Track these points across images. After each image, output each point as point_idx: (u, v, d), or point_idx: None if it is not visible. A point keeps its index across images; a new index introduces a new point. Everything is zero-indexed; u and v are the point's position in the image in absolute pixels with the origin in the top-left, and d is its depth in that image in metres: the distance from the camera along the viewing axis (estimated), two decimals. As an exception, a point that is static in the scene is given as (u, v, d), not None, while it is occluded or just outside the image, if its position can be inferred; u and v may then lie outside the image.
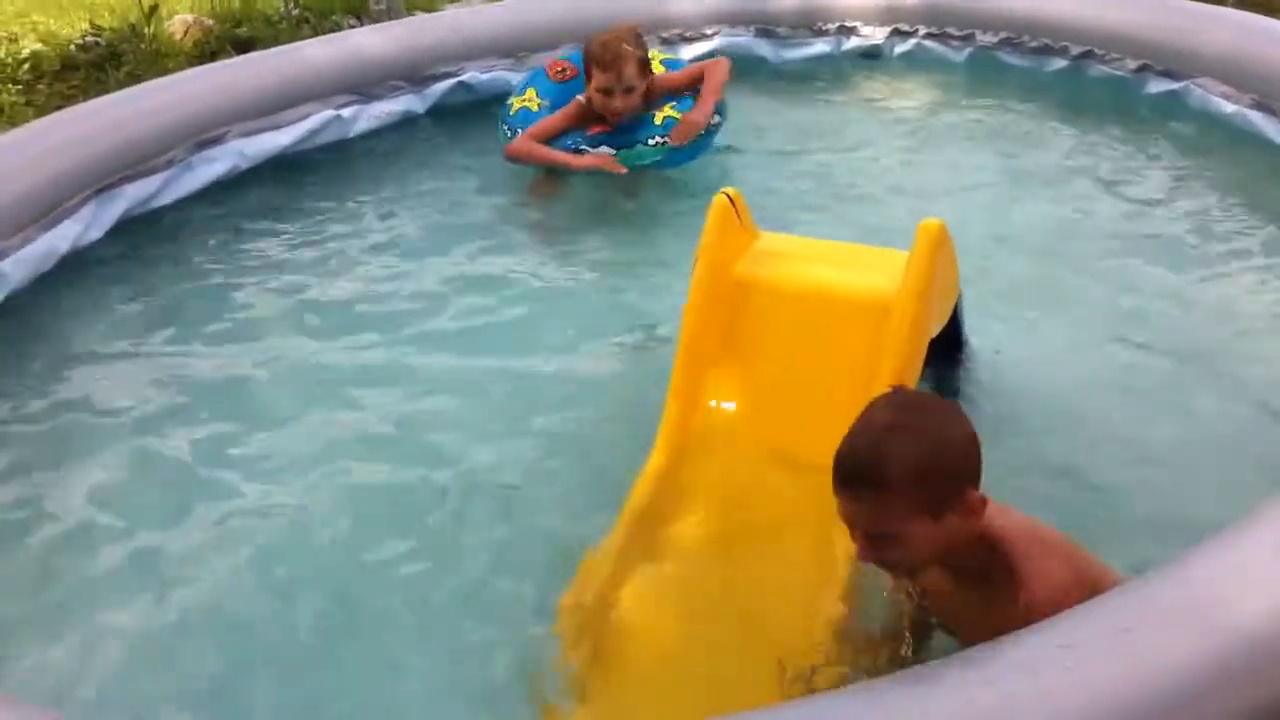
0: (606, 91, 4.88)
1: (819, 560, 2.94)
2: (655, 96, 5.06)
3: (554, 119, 5.07)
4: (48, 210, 4.09)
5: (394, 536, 3.05)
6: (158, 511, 3.17)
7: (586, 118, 5.03)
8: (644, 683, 2.73)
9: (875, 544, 2.32)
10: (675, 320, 3.39)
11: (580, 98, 5.05)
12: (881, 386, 3.11)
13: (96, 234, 4.30)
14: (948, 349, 3.60)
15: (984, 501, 2.29)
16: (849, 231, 4.22)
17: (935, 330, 3.32)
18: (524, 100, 5.25)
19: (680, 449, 3.28)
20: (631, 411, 3.52)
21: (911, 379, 3.20)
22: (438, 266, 4.36)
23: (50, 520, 3.15)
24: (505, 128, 5.17)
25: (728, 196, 3.38)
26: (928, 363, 3.28)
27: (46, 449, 3.43)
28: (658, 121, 5.01)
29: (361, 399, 3.58)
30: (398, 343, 3.85)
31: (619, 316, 4.03)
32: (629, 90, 4.89)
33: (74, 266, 4.23)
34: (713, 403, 3.33)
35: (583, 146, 5.00)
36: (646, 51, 5.01)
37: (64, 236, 4.13)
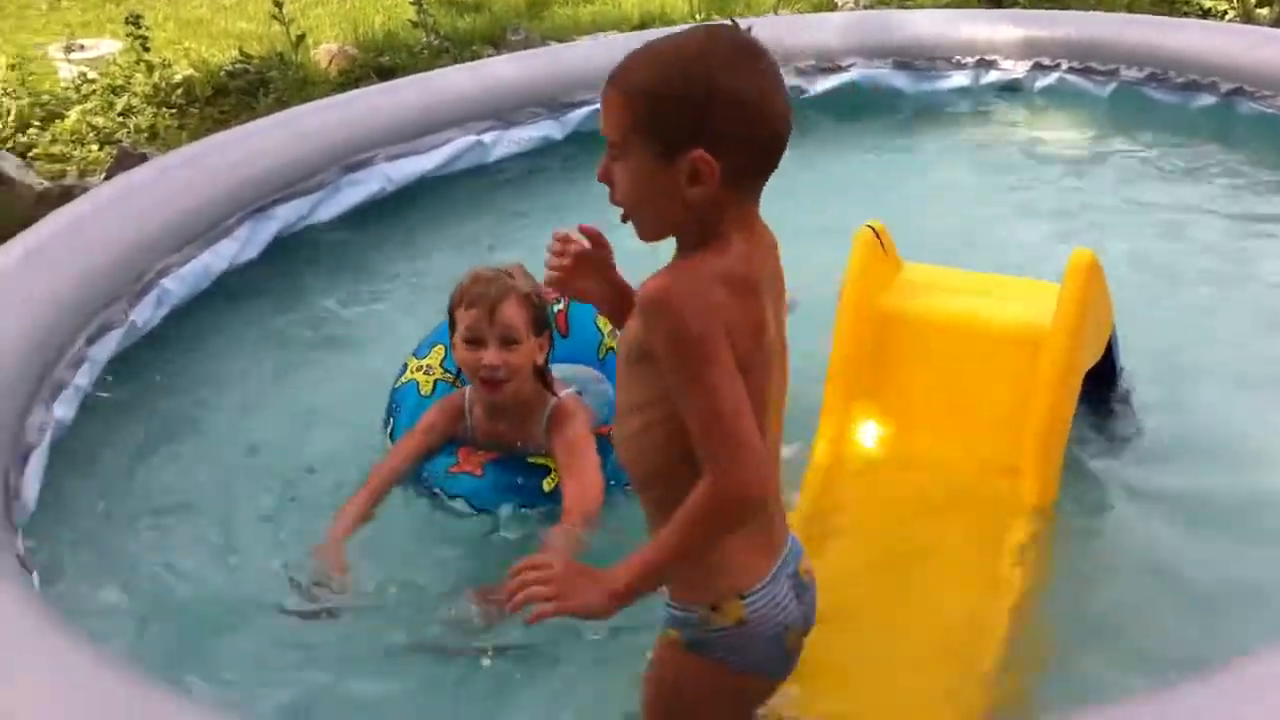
0: (474, 340, 3.14)
1: (974, 607, 2.89)
2: (537, 411, 3.23)
3: (417, 429, 3.31)
4: (206, 229, 4.22)
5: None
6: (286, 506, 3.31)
7: (458, 425, 3.32)
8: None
9: (607, 163, 2.02)
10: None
11: (462, 391, 3.37)
12: (1033, 422, 3.10)
13: (252, 253, 4.42)
14: (1102, 383, 3.54)
15: (712, 176, 1.93)
16: (988, 264, 4.16)
17: (1089, 364, 3.27)
18: (419, 368, 3.53)
19: (828, 486, 3.26)
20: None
21: (1065, 415, 3.16)
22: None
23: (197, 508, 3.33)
24: (389, 416, 3.48)
25: (872, 229, 3.38)
26: (1082, 397, 3.24)
27: (200, 449, 3.63)
28: (546, 487, 3.16)
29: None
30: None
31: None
32: (509, 342, 3.12)
33: (229, 285, 4.36)
34: (859, 439, 3.32)
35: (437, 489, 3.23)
36: (543, 300, 3.18)
37: (222, 255, 4.26)
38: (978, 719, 2.61)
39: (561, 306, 3.51)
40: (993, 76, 6.36)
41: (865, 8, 8.30)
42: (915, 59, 6.31)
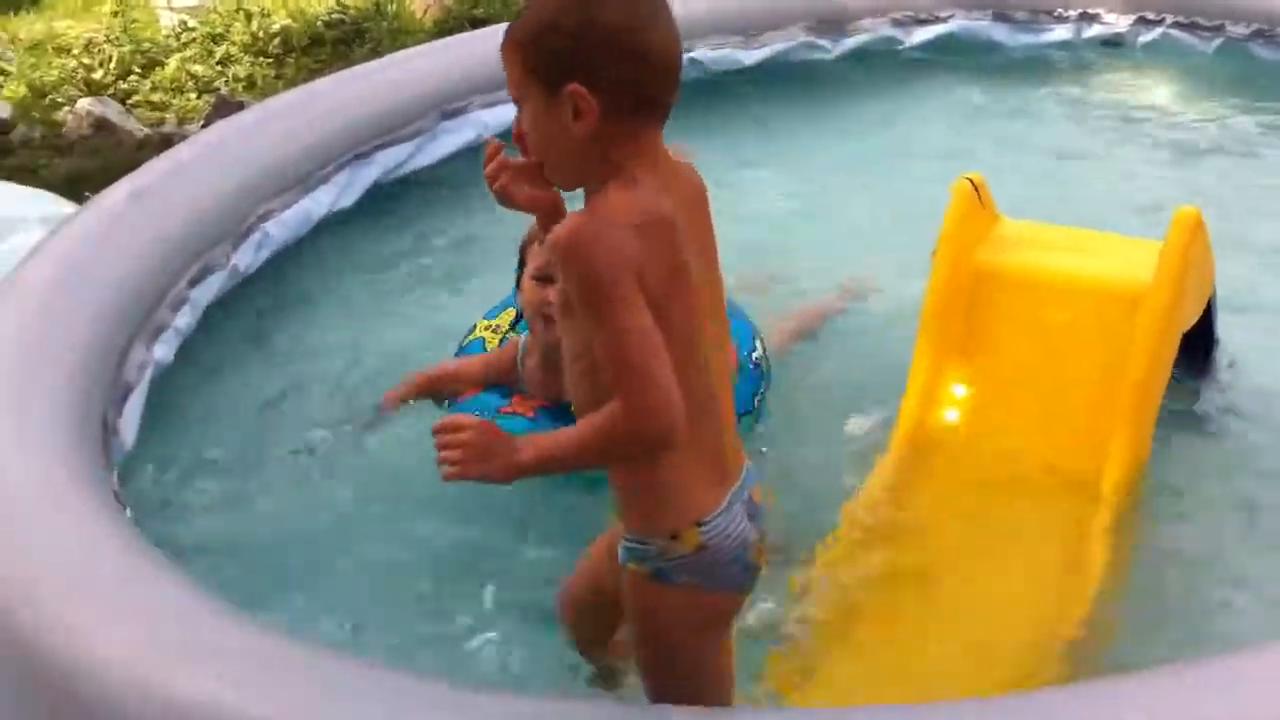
0: (544, 278, 3.08)
1: (1061, 575, 2.88)
2: None
3: (473, 361, 3.40)
4: (306, 176, 4.28)
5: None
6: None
7: (511, 373, 3.33)
8: (868, 666, 2.73)
9: (517, 120, 2.05)
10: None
11: (517, 337, 3.40)
12: (1130, 380, 3.06)
13: (349, 201, 4.46)
14: (1197, 345, 3.48)
15: (590, 110, 1.93)
16: (1086, 222, 4.09)
17: (1187, 324, 3.22)
18: (488, 327, 3.54)
19: (918, 444, 3.25)
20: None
21: (1162, 373, 3.12)
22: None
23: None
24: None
25: (970, 181, 3.33)
26: (1178, 360, 3.19)
27: (290, 392, 3.70)
28: None
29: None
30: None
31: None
32: None
33: (328, 230, 4.41)
34: (952, 394, 3.30)
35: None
36: None
37: (321, 201, 4.31)
38: (1052, 672, 2.60)
39: None
40: (1095, 30, 6.23)
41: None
42: (1015, 10, 6.19)
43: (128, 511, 2.74)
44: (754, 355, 3.36)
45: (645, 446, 1.97)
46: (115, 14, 7.07)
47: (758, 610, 2.70)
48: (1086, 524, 2.97)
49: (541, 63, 1.96)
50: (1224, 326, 3.57)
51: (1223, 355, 3.57)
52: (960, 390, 3.31)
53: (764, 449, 3.20)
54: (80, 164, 5.57)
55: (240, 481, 3.31)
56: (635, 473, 2.08)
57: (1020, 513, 3.03)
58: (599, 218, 1.95)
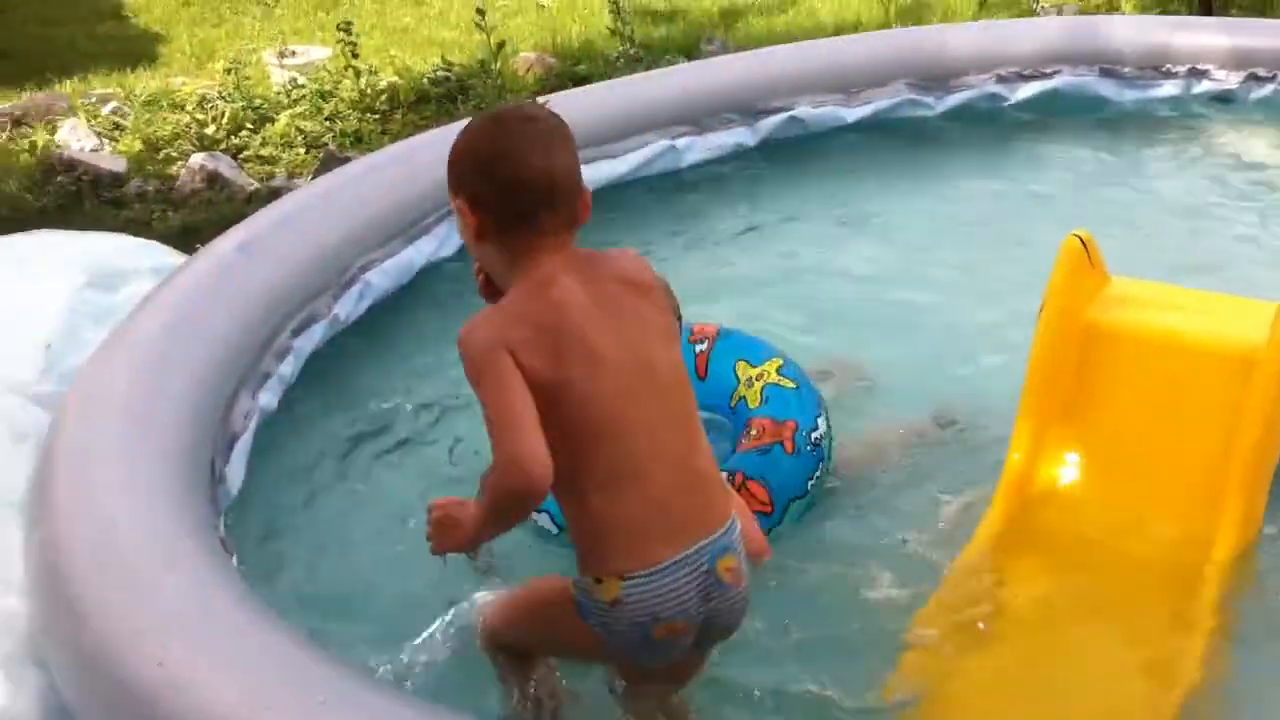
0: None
1: (1165, 646, 2.78)
2: None
3: None
4: (408, 226, 4.33)
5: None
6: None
7: None
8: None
9: None
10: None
11: None
12: (1241, 446, 2.95)
13: (448, 251, 4.51)
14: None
15: (470, 221, 2.32)
16: (1195, 282, 3.98)
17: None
18: None
19: (1020, 504, 3.17)
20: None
21: (1276, 440, 3.01)
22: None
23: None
24: None
25: (1079, 239, 3.26)
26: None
27: (391, 443, 3.72)
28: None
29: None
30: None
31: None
32: None
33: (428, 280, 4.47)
34: (1057, 457, 3.22)
35: None
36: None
37: (422, 251, 4.37)
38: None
39: (703, 349, 3.45)
40: (1204, 86, 6.12)
41: (1058, 9, 8.08)
42: (1123, 66, 6.11)
43: (234, 559, 2.77)
44: (814, 435, 3.25)
45: (514, 496, 2.21)
46: (228, 71, 7.26)
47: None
48: (1190, 606, 2.86)
49: (448, 182, 2.36)
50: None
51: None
52: (1065, 452, 3.22)
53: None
54: (192, 216, 5.71)
55: (340, 530, 3.34)
56: (567, 514, 2.37)
57: (1122, 586, 2.93)
58: (484, 315, 2.31)
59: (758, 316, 4.10)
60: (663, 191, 5.42)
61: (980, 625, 2.86)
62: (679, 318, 2.66)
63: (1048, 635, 2.86)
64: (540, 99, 4.17)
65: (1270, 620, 2.92)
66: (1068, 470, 3.21)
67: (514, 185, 2.27)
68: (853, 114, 5.82)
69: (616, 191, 5.16)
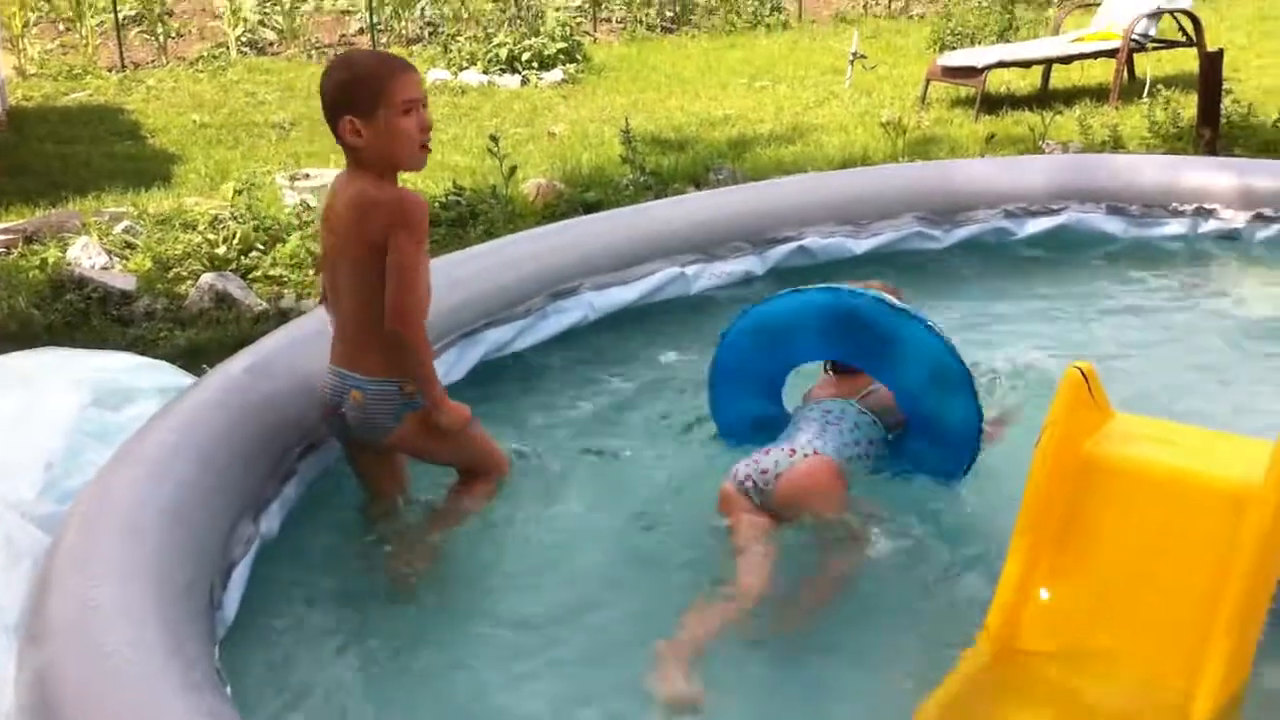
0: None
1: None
2: None
3: None
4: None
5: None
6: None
7: None
8: None
9: None
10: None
11: None
12: (1234, 584, 2.88)
13: (458, 375, 4.49)
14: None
15: (354, 129, 3.37)
16: (1198, 422, 3.95)
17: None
18: None
19: (1009, 638, 3.10)
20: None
21: (1269, 581, 2.94)
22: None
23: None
24: None
25: (1080, 370, 3.23)
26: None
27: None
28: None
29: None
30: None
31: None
32: None
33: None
34: (1045, 592, 3.15)
35: None
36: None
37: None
38: None
39: None
40: (1211, 225, 6.17)
41: (1064, 146, 8.18)
42: (1130, 203, 6.17)
43: (228, 689, 2.70)
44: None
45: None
46: (238, 192, 7.33)
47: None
48: None
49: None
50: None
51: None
52: (1054, 588, 3.15)
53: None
54: (199, 336, 5.70)
55: (336, 660, 3.25)
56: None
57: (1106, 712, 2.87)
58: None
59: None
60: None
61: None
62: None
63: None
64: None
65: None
66: (1056, 605, 3.13)
67: None
68: (860, 245, 5.88)
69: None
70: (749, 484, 3.52)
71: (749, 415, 3.98)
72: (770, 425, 3.85)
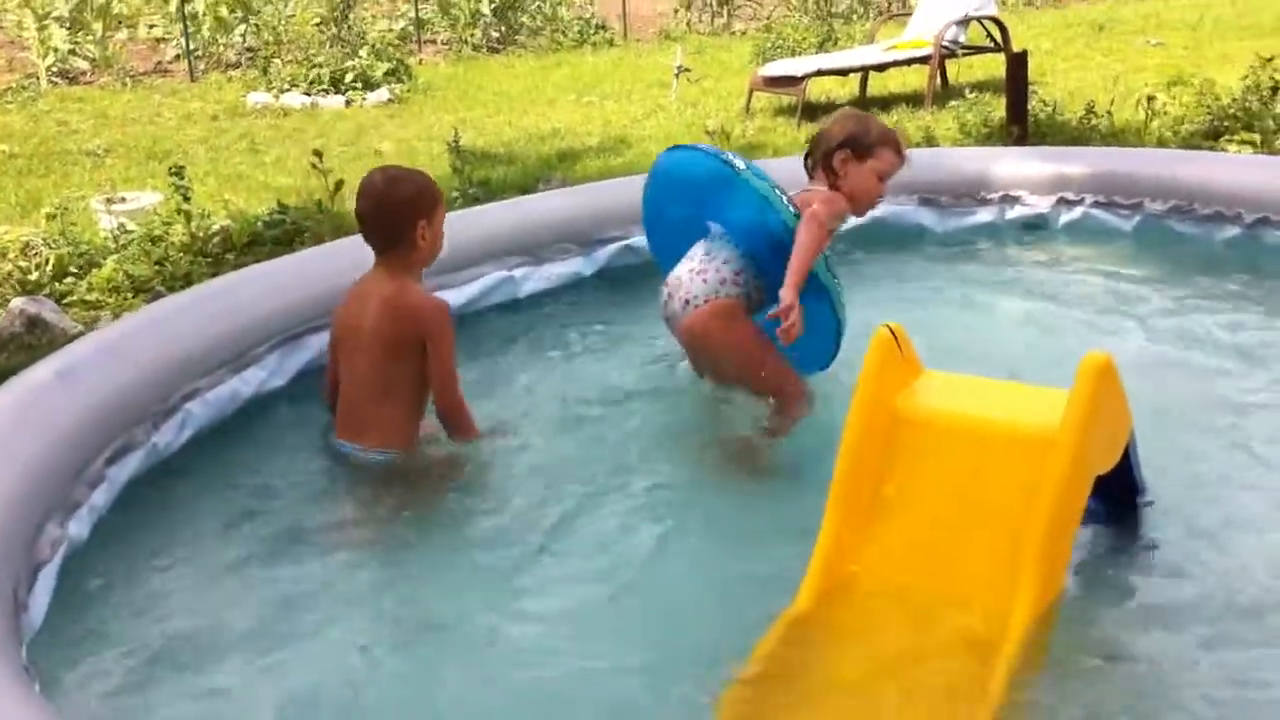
0: (887, 177, 4.30)
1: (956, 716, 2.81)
2: None
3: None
4: (236, 356, 4.25)
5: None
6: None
7: None
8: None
9: None
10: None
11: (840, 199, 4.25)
12: (1037, 523, 3.02)
13: (279, 381, 4.43)
14: (1124, 491, 3.48)
15: (423, 233, 3.99)
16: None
17: (1103, 468, 3.20)
18: None
19: (823, 585, 3.19)
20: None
21: (1072, 517, 3.09)
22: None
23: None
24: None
25: (890, 330, 3.33)
26: (1106, 505, 3.16)
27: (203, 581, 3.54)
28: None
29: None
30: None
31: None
32: None
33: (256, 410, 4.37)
34: (865, 541, 3.25)
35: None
36: None
37: (249, 381, 4.27)
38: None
39: None
40: (1017, 212, 6.41)
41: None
42: (940, 195, 6.37)
43: (37, 686, 2.62)
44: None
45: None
46: (50, 218, 7.11)
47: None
48: (992, 656, 2.90)
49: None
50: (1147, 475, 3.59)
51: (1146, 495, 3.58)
52: (873, 537, 3.24)
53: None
54: (9, 361, 5.50)
55: (149, 663, 3.16)
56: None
57: (922, 664, 2.97)
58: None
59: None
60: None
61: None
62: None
63: (849, 707, 2.89)
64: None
65: (1062, 687, 2.97)
66: (874, 551, 3.22)
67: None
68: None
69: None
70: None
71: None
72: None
